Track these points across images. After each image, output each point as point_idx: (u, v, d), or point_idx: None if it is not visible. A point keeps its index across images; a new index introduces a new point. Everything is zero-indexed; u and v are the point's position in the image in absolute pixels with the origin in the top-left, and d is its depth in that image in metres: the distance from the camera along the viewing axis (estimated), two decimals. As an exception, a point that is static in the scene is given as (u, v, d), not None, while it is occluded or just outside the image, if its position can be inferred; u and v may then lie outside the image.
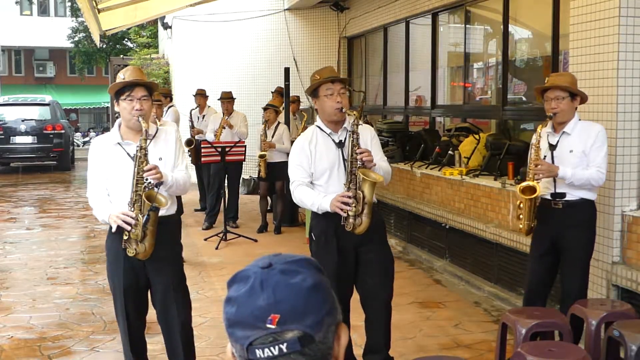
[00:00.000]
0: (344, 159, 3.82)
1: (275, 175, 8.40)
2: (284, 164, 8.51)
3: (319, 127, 3.92)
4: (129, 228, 3.39)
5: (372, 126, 6.85)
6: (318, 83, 3.80)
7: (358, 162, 3.71)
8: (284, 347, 1.10)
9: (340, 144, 3.85)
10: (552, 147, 4.08)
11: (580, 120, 4.12)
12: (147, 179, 3.42)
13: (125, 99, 3.48)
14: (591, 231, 4.12)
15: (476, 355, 4.51)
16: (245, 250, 7.53)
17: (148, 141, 3.48)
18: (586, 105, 4.74)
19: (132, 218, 3.38)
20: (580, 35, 4.77)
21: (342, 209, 3.66)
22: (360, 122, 3.88)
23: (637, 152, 4.54)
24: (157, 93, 7.48)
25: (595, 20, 4.61)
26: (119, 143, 3.56)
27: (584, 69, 4.73)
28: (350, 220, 3.70)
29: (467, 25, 7.86)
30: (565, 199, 4.03)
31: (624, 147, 4.50)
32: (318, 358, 1.12)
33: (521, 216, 4.04)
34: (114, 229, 3.47)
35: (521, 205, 4.03)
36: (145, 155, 3.45)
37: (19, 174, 16.36)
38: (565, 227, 4.04)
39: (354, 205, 3.66)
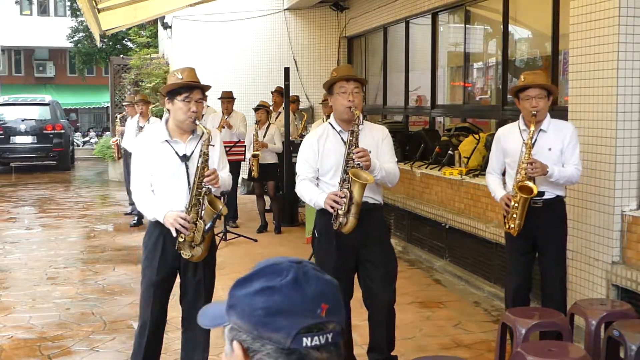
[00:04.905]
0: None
1: (267, 176, 8.44)
2: (276, 165, 8.62)
3: (330, 124, 3.96)
4: (186, 232, 3.43)
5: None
6: (333, 80, 3.86)
7: (355, 163, 3.73)
8: (330, 337, 1.10)
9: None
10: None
11: (551, 118, 4.16)
12: (205, 184, 3.48)
13: (183, 100, 3.51)
14: (566, 226, 4.28)
15: (476, 355, 4.51)
16: (245, 250, 7.53)
17: (187, 145, 3.56)
18: (586, 105, 4.75)
19: (190, 222, 3.43)
20: (580, 35, 4.76)
21: (332, 207, 3.70)
22: (363, 122, 3.90)
23: (637, 152, 4.53)
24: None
25: (595, 20, 4.61)
26: (167, 141, 3.58)
27: (584, 69, 4.73)
28: (340, 219, 3.74)
29: (467, 25, 7.86)
30: (544, 197, 4.08)
31: (624, 147, 4.50)
32: (340, 354, 1.13)
33: (514, 215, 4.04)
34: (173, 233, 3.48)
35: (516, 204, 4.03)
36: (207, 160, 3.50)
37: (13, 174, 16.36)
38: (546, 225, 4.10)
39: (344, 204, 3.68)
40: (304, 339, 1.07)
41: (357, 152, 3.72)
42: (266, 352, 1.09)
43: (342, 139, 3.89)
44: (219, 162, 3.69)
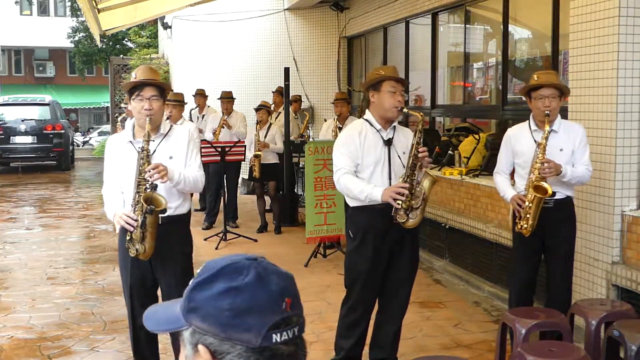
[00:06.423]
0: (389, 157, 3.84)
1: (268, 176, 8.44)
2: (276, 165, 8.62)
3: (368, 122, 3.91)
4: (131, 229, 3.41)
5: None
6: (383, 77, 3.83)
7: (419, 161, 3.75)
8: (296, 330, 1.09)
9: (388, 142, 3.86)
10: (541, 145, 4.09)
11: (561, 119, 4.16)
12: (148, 180, 3.42)
13: (135, 98, 3.49)
14: (575, 227, 4.27)
15: (476, 355, 4.51)
16: (245, 250, 7.52)
17: (151, 142, 3.50)
18: (586, 105, 4.75)
19: (134, 220, 3.40)
20: (580, 35, 4.77)
21: (395, 199, 3.65)
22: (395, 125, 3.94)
23: (637, 152, 4.53)
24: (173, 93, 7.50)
25: (595, 20, 4.61)
26: (130, 141, 3.58)
27: (584, 69, 4.73)
28: (402, 212, 3.69)
29: (467, 25, 7.86)
30: (555, 197, 4.07)
31: (624, 147, 4.50)
32: (304, 346, 1.13)
33: (528, 216, 4.01)
34: (116, 230, 3.51)
35: (530, 204, 4.00)
36: (148, 156, 3.45)
37: (19, 173, 16.36)
38: (557, 225, 4.09)
39: (408, 198, 3.66)
40: (274, 336, 1.06)
41: (422, 151, 3.73)
42: (237, 352, 1.07)
43: (381, 137, 3.87)
44: (186, 158, 3.63)
